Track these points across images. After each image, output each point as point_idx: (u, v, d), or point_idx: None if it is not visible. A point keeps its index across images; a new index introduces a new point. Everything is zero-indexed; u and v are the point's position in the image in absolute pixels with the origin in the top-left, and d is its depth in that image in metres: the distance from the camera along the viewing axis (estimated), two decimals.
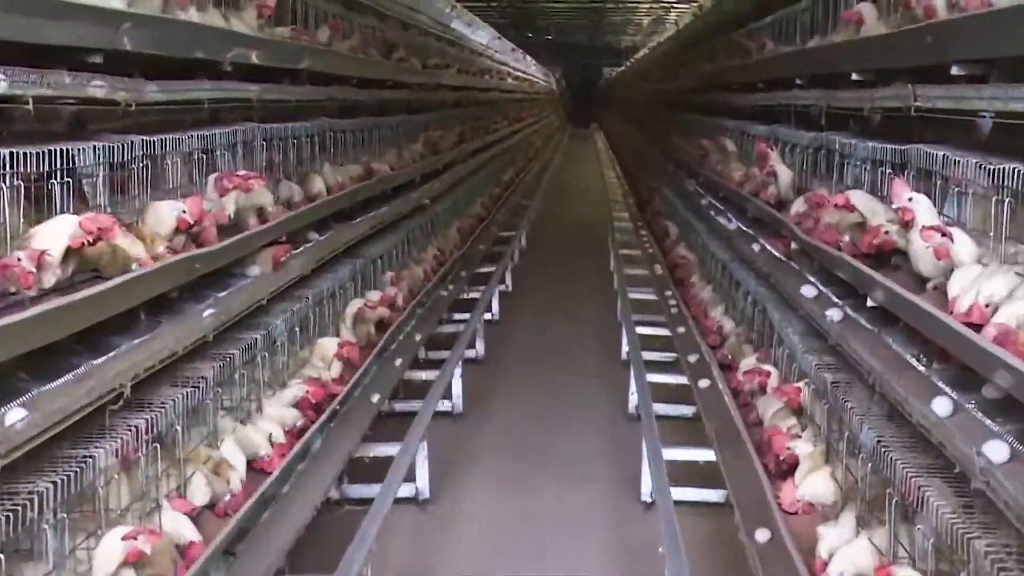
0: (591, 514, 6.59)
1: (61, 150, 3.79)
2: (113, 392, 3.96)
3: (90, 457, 3.78)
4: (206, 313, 4.91)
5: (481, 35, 20.92)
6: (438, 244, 11.33)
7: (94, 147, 4.06)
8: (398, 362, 7.93)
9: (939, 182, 4.49)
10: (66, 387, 3.67)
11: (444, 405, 8.13)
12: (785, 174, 6.99)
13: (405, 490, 6.35)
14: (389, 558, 5.73)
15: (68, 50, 3.82)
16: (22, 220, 3.71)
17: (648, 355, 8.67)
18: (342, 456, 6.13)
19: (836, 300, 5.38)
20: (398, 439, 6.45)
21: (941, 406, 3.80)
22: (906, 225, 4.36)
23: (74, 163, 3.91)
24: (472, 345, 9.79)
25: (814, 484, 4.87)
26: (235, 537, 4.70)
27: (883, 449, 4.16)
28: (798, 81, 7.21)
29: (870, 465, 4.29)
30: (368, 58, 8.80)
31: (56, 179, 3.85)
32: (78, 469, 3.67)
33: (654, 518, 5.74)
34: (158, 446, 4.26)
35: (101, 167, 4.16)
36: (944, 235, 4.05)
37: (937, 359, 4.15)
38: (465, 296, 11.14)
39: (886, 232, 4.68)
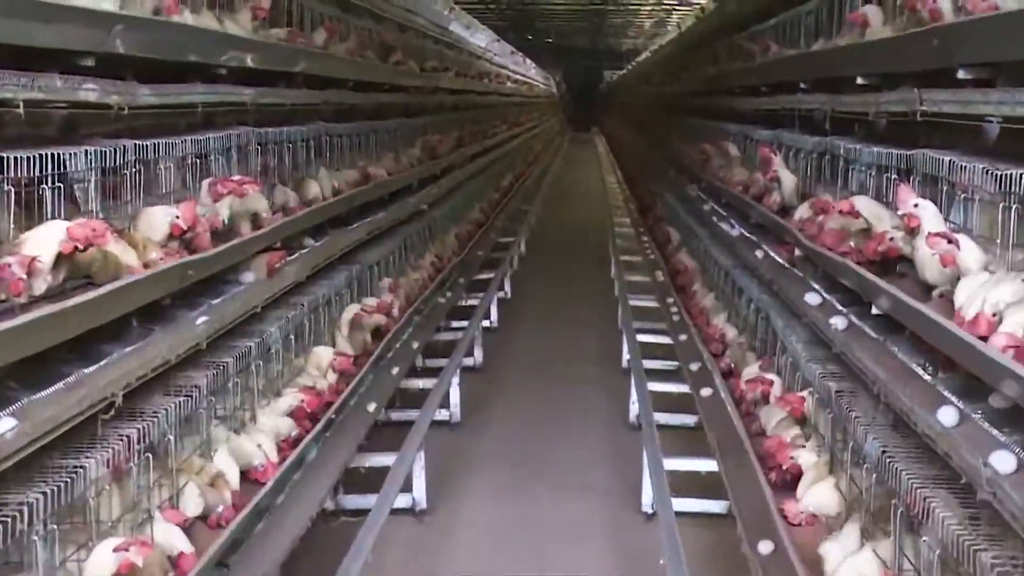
0: (591, 525, 6.53)
1: (52, 154, 3.78)
2: (104, 401, 3.93)
3: (81, 467, 3.74)
4: (199, 320, 4.87)
5: (480, 37, 20.88)
6: (436, 250, 11.28)
7: (86, 151, 4.04)
8: (395, 370, 7.88)
9: (945, 188, 4.47)
10: (57, 396, 3.65)
11: (442, 414, 8.09)
12: (789, 179, 6.94)
13: (402, 500, 6.31)
14: (385, 570, 5.68)
15: (59, 53, 3.80)
16: (12, 226, 3.69)
17: (649, 363, 8.65)
18: (338, 466, 6.08)
19: (840, 308, 5.34)
20: (395, 449, 6.41)
21: (947, 416, 3.77)
22: (912, 231, 4.34)
23: (65, 168, 3.90)
24: (470, 353, 9.73)
25: (818, 495, 4.85)
26: (228, 549, 4.65)
27: (888, 459, 4.13)
28: (802, 85, 7.17)
29: (875, 476, 4.25)
30: (365, 61, 8.75)
31: (47, 184, 3.83)
32: (69, 479, 3.63)
33: (655, 529, 5.70)
34: (150, 456, 4.21)
35: (93, 172, 4.13)
36: (950, 242, 4.01)
37: (943, 368, 4.12)
38: (463, 303, 11.10)
39: (891, 239, 4.65)
